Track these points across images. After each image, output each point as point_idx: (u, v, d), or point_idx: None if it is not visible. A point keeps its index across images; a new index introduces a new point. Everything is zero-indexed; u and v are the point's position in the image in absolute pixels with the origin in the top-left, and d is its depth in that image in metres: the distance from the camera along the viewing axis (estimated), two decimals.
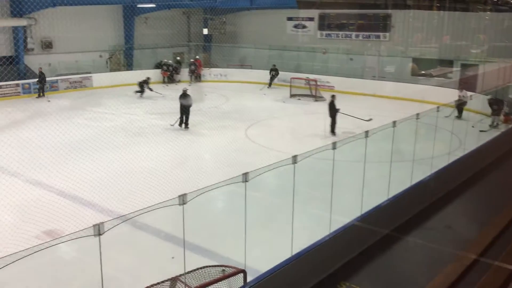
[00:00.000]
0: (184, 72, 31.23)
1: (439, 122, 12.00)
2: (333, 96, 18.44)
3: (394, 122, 9.19)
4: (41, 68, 25.07)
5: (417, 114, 10.01)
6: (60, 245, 4.82)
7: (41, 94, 24.86)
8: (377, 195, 8.86)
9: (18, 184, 11.94)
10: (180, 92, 18.97)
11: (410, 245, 8.03)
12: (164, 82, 30.16)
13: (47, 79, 26.19)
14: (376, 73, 27.99)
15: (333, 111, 18.03)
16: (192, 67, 31.04)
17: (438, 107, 10.93)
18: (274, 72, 29.15)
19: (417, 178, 9.78)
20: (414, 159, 10.69)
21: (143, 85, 25.69)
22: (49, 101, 24.03)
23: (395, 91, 25.31)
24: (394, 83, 26.20)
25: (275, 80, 29.17)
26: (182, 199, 4.91)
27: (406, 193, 9.05)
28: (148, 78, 26.37)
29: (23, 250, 3.99)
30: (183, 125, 18.48)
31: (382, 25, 28.60)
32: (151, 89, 25.55)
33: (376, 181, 10.26)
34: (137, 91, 25.52)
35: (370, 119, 17.74)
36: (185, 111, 18.40)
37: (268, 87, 28.93)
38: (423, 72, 27.46)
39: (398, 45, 28.19)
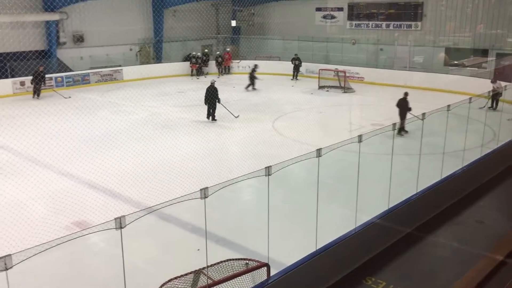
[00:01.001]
0: (212, 65, 31.35)
1: (472, 113, 11.62)
2: (406, 93, 16.50)
3: (424, 114, 8.95)
4: (42, 67, 23.70)
5: (448, 106, 9.73)
6: (88, 235, 4.89)
7: (37, 95, 23.20)
8: (406, 189, 8.68)
9: (49, 175, 12.25)
10: (208, 85, 18.99)
11: (440, 241, 7.83)
12: (192, 74, 30.31)
13: (80, 72, 26.78)
14: (407, 63, 27.38)
15: (404, 109, 15.91)
16: (219, 59, 31.09)
17: (470, 98, 10.58)
18: (297, 62, 28.92)
19: (447, 171, 9.53)
20: (444, 151, 10.40)
21: (253, 75, 25.27)
22: (68, 97, 23.24)
23: (427, 81, 24.72)
24: (426, 73, 25.59)
25: (301, 71, 28.94)
26: (204, 193, 4.89)
27: (435, 187, 8.83)
28: (256, 66, 26.07)
29: (52, 240, 4.05)
30: (210, 118, 18.45)
31: (414, 14, 27.90)
32: (256, 77, 25.38)
33: (404, 175, 10.06)
34: (249, 85, 25.23)
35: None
36: (211, 103, 18.37)
37: (292, 79, 28.77)
38: (455, 62, 26.69)
39: (430, 34, 27.47)
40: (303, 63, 29.22)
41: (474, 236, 8.15)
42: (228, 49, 32.23)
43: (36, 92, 23.12)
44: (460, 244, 7.69)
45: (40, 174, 12.33)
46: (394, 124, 7.86)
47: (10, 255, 3.57)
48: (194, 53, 30.86)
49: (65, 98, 22.74)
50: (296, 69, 28.92)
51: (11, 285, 3.73)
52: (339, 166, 11.84)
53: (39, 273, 7.29)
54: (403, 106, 16.11)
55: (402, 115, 15.86)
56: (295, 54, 29.28)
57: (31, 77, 23.16)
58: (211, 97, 18.26)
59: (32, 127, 15.78)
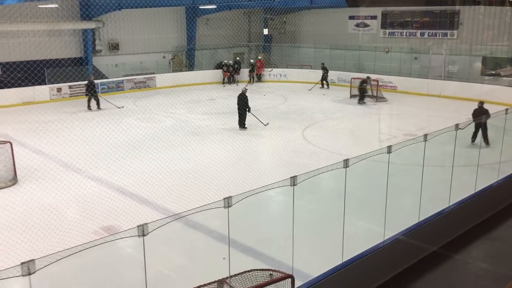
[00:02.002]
0: (244, 73, 31.48)
1: (509, 124, 11.22)
2: (481, 102, 15.13)
3: (457, 125, 8.68)
4: (92, 77, 23.26)
5: (485, 116, 9.42)
6: (116, 241, 4.93)
7: (92, 105, 22.39)
8: (437, 201, 8.43)
9: (80, 180, 12.49)
10: (239, 92, 19.05)
11: (473, 256, 7.54)
12: (223, 82, 30.51)
13: (114, 79, 27.35)
14: (441, 72, 26.79)
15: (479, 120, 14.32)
16: (251, 67, 31.22)
17: (507, 109, 10.21)
18: (324, 71, 28.68)
19: (482, 184, 9.21)
20: (479, 163, 10.06)
21: (364, 86, 23.77)
22: (121, 106, 22.60)
23: (462, 91, 24.08)
24: (461, 83, 24.95)
25: (331, 80, 28.70)
26: (228, 202, 4.86)
27: (469, 200, 8.54)
28: (368, 78, 24.39)
29: (76, 246, 4.09)
30: (241, 125, 18.46)
31: (450, 22, 27.33)
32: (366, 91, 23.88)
33: (436, 187, 9.77)
34: (360, 100, 23.67)
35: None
36: (241, 111, 18.41)
37: (321, 87, 28.52)
38: (492, 71, 25.94)
39: (466, 43, 26.81)
40: (334, 72, 28.98)
41: (509, 252, 7.82)
42: (259, 57, 32.34)
43: (92, 103, 22.27)
44: (494, 261, 7.38)
45: (72, 178, 12.59)
46: (425, 135, 7.64)
47: (33, 260, 3.61)
48: (225, 61, 31.08)
49: (118, 108, 22.24)
50: (324, 78, 28.68)
51: None
52: (368, 177, 11.62)
53: (66, 277, 7.39)
54: (479, 114, 14.53)
55: (481, 127, 14.26)
56: (322, 63, 29.07)
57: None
58: (241, 105, 18.31)
59: (66, 132, 16.19)
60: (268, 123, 18.47)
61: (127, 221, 9.44)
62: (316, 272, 6.05)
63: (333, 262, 6.22)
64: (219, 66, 31.62)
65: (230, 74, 30.93)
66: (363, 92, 23.88)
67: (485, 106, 14.51)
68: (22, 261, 3.65)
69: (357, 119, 20.37)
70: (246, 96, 18.44)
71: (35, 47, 24.74)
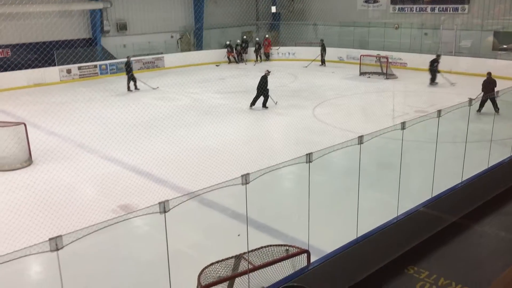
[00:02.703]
0: (252, 51, 31.31)
1: None
2: (489, 73, 16.32)
3: (471, 100, 8.65)
4: (129, 57, 23.21)
5: (497, 92, 9.36)
6: (133, 219, 5.05)
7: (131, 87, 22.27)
8: (450, 177, 8.46)
9: (96, 160, 12.67)
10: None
11: (486, 230, 7.60)
12: (229, 62, 30.29)
13: (123, 59, 27.27)
14: (452, 48, 26.46)
15: (490, 89, 15.57)
16: (256, 46, 31.00)
17: None
18: (322, 48, 28.65)
19: (495, 160, 9.21)
20: (492, 139, 10.05)
21: (435, 66, 22.01)
22: (156, 87, 22.44)
23: (473, 67, 23.83)
24: (473, 58, 24.66)
25: (339, 57, 28.51)
26: (245, 179, 4.94)
27: (482, 175, 8.54)
28: (438, 56, 22.30)
29: (100, 223, 4.20)
30: (256, 105, 18.20)
31: None
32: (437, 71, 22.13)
33: (449, 163, 9.80)
34: (432, 81, 22.15)
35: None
36: (263, 92, 18.12)
37: (320, 65, 28.41)
38: (504, 46, 25.56)
39: (478, 17, 26.38)
40: (343, 49, 28.76)
41: None
42: (267, 35, 32.09)
43: (131, 83, 22.19)
44: (507, 234, 7.44)
45: (88, 158, 12.77)
46: (439, 111, 7.63)
47: (61, 236, 3.73)
48: (228, 42, 30.74)
49: (153, 88, 22.34)
50: (322, 55, 28.66)
51: (57, 265, 3.90)
52: (381, 154, 11.67)
53: (84, 255, 7.57)
54: (490, 85, 15.88)
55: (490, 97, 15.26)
56: (321, 40, 28.95)
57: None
58: (261, 86, 18.09)
59: (80, 113, 16.34)
60: (277, 102, 18.42)
61: (143, 199, 9.62)
62: (331, 248, 6.16)
63: (347, 238, 6.32)
64: (226, 45, 31.47)
65: (238, 53, 30.78)
66: (435, 72, 22.12)
67: (497, 82, 14.44)
68: (45, 238, 3.77)
69: (368, 97, 20.29)
70: (266, 78, 18.16)
71: (44, 28, 24.79)
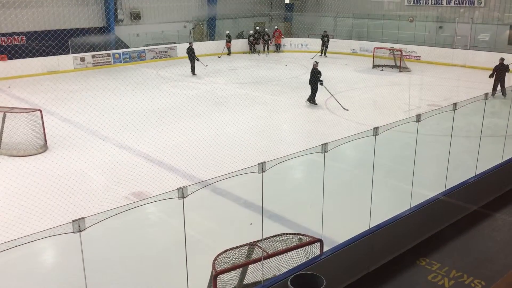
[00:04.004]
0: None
1: None
2: (502, 59, 17.91)
3: (486, 94, 8.61)
4: (191, 43, 23.94)
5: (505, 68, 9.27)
6: (146, 206, 5.13)
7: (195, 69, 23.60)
8: (464, 171, 8.46)
9: (109, 148, 12.80)
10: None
11: (498, 225, 7.61)
12: (229, 53, 29.97)
13: (136, 48, 27.46)
14: (468, 42, 26.19)
15: (502, 74, 17.73)
16: (266, 37, 30.82)
17: None
18: (325, 38, 28.67)
19: (509, 154, 9.18)
20: (506, 134, 10.00)
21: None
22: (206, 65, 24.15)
23: (489, 61, 23.51)
24: (488, 52, 24.38)
25: (352, 50, 28.34)
26: (262, 167, 4.99)
27: (495, 170, 8.53)
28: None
29: (116, 208, 4.29)
30: (311, 101, 17.41)
31: None
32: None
33: (463, 157, 9.79)
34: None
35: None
36: (312, 86, 17.32)
37: (320, 55, 28.40)
38: None
39: (495, 11, 26.05)
40: (356, 41, 28.58)
41: None
42: (276, 27, 31.92)
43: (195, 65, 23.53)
44: None
45: (101, 146, 12.91)
46: (454, 104, 7.61)
47: (83, 218, 3.82)
48: (228, 32, 30.46)
49: (205, 66, 24.23)
50: (324, 45, 28.75)
51: (75, 249, 3.98)
52: (394, 147, 11.67)
53: (101, 239, 7.71)
54: (502, 71, 17.62)
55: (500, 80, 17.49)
56: (324, 31, 29.00)
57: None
58: (313, 79, 17.31)
59: (93, 101, 16.48)
60: (348, 110, 16.67)
61: (156, 187, 9.73)
62: (344, 239, 6.21)
63: (360, 229, 6.37)
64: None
65: (251, 43, 30.71)
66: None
67: None
68: (59, 223, 3.86)
69: (380, 90, 20.20)
70: (319, 70, 17.39)
71: (58, 16, 24.94)
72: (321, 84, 17.12)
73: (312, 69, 17.48)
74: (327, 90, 17.34)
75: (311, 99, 17.41)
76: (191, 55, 23.23)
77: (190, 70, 23.43)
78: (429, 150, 11.26)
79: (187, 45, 23.74)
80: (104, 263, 7.44)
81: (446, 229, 7.28)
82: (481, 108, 8.74)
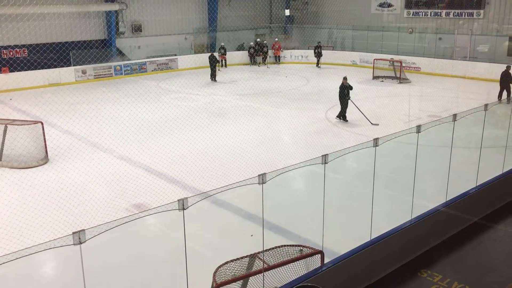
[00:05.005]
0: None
1: None
2: (508, 67, 18.57)
3: (486, 105, 8.63)
4: (212, 52, 25.78)
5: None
6: (147, 217, 5.13)
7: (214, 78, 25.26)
8: (464, 182, 8.45)
9: (110, 159, 12.81)
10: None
11: (500, 236, 7.58)
12: (223, 66, 29.61)
13: (137, 61, 27.58)
14: (467, 53, 26.31)
15: (506, 82, 18.47)
16: (265, 49, 30.92)
17: None
18: (319, 49, 29.07)
19: (510, 165, 9.17)
20: (507, 145, 10.00)
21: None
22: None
23: (489, 72, 23.66)
24: (488, 64, 24.47)
25: (352, 61, 28.52)
26: (262, 178, 5.00)
27: (496, 181, 8.52)
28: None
29: (116, 220, 4.29)
30: (341, 118, 16.68)
31: (476, 1, 26.71)
32: None
33: (463, 168, 9.77)
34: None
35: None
36: (342, 102, 16.71)
37: (316, 66, 28.95)
38: None
39: (493, 22, 26.21)
40: (356, 52, 28.76)
41: None
42: (276, 39, 32.10)
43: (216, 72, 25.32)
44: None
45: (101, 158, 12.92)
46: (454, 115, 7.63)
47: (84, 230, 3.82)
48: (223, 44, 30.41)
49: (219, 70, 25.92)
50: (318, 56, 29.25)
51: (76, 261, 3.98)
52: (395, 158, 11.67)
53: (101, 251, 7.68)
54: (506, 78, 18.37)
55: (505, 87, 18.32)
56: (318, 42, 29.55)
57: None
58: (341, 95, 16.67)
59: (94, 113, 16.53)
60: (378, 124, 16.04)
61: (156, 199, 9.72)
62: (344, 250, 6.19)
63: (361, 240, 6.35)
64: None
65: (251, 55, 30.85)
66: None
67: None
68: (59, 235, 3.86)
69: (381, 101, 20.23)
70: (346, 86, 16.65)
71: (59, 29, 25.11)
72: (349, 99, 16.52)
73: (341, 85, 16.73)
74: (355, 106, 16.61)
75: (341, 115, 16.70)
76: (212, 62, 24.98)
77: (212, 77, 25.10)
78: (430, 161, 11.26)
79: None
80: (105, 275, 7.41)
81: (448, 241, 7.25)
82: (481, 118, 8.77)
